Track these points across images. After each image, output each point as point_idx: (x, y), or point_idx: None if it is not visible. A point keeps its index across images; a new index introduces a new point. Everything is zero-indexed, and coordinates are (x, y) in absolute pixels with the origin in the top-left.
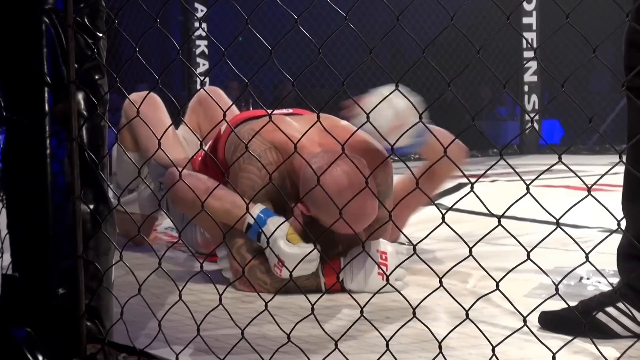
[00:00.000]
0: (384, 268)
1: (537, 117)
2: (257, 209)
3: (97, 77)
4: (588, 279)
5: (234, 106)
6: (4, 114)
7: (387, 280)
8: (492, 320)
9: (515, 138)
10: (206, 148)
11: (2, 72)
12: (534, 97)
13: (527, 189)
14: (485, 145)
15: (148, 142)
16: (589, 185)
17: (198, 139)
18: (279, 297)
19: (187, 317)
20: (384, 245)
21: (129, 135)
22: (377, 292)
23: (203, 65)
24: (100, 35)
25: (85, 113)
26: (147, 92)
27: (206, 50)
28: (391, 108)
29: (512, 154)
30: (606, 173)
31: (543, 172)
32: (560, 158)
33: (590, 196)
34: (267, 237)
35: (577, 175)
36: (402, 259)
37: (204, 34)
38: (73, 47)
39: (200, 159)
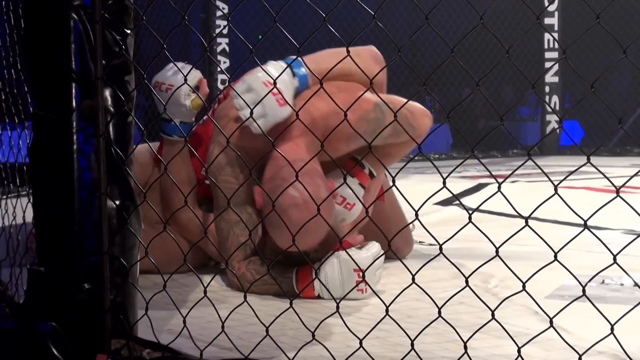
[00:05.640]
0: (362, 286)
1: (558, 119)
2: None
3: (124, 73)
4: (611, 280)
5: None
6: (32, 109)
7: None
8: (515, 321)
9: (541, 140)
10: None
11: (30, 69)
12: (555, 98)
13: (555, 189)
14: (506, 146)
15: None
16: (618, 187)
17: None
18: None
19: (209, 314)
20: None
21: None
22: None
23: (224, 63)
24: (128, 31)
25: (112, 109)
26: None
27: (227, 48)
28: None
29: (532, 154)
30: (636, 174)
31: (571, 173)
32: (589, 159)
33: (618, 197)
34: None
35: (606, 177)
36: (376, 265)
37: (225, 31)
38: (101, 44)
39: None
